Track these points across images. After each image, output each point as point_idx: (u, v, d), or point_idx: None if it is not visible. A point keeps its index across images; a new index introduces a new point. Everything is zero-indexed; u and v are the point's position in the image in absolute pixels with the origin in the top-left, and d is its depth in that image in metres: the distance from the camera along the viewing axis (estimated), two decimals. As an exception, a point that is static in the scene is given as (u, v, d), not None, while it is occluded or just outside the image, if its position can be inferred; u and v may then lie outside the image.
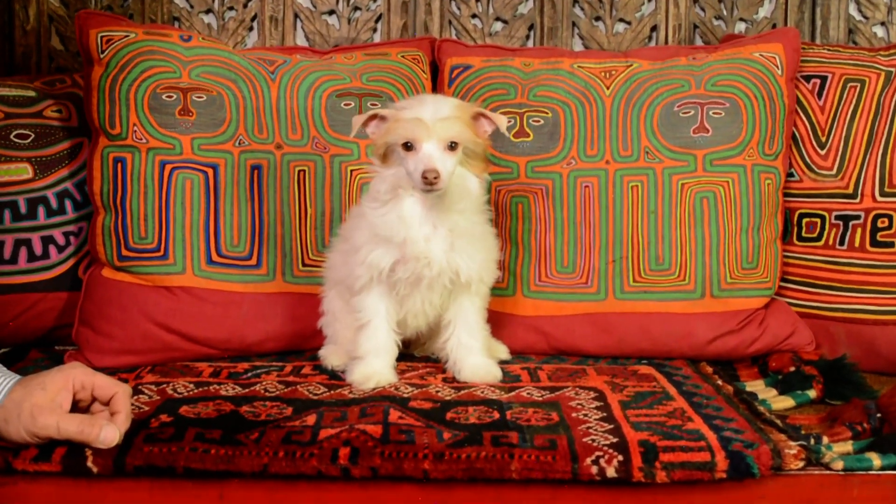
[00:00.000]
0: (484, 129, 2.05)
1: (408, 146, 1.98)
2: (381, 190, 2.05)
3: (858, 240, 2.37)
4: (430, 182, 1.93)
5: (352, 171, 2.37)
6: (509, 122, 2.14)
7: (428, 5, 2.81)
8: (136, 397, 1.96)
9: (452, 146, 1.98)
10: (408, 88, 2.47)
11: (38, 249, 2.36)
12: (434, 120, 1.96)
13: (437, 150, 1.96)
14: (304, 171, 2.35)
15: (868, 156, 2.40)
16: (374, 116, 2.04)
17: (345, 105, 2.40)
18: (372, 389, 2.02)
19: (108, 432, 1.69)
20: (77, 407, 1.75)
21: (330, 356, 2.20)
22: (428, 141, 1.96)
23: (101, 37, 2.33)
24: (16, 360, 2.26)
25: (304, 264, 2.34)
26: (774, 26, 2.82)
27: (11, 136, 2.38)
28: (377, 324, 2.10)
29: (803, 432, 1.85)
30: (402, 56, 2.54)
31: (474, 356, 2.14)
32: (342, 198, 2.36)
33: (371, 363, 2.08)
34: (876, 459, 1.74)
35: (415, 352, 2.30)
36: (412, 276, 2.06)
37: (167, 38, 2.36)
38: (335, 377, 2.13)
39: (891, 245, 2.35)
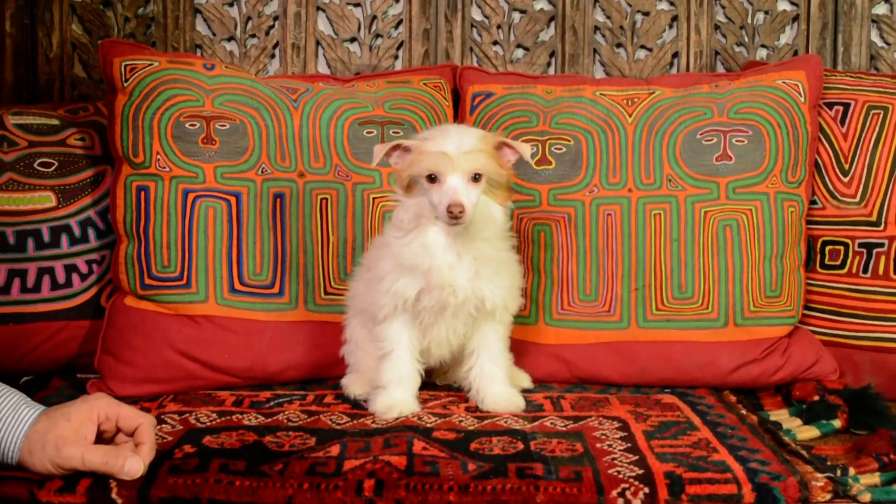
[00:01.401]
0: (507, 159, 2.05)
1: (432, 178, 1.98)
2: (405, 219, 2.05)
3: (882, 268, 2.36)
4: (455, 216, 1.93)
5: (374, 199, 2.37)
6: (532, 149, 2.13)
7: (449, 32, 2.82)
8: (159, 427, 1.96)
9: (476, 178, 1.98)
10: (430, 116, 2.48)
11: (61, 278, 2.36)
12: (458, 153, 1.95)
13: (461, 183, 1.96)
14: (327, 199, 2.35)
15: (892, 183, 2.39)
16: (397, 147, 2.04)
17: (367, 133, 2.41)
18: (395, 419, 2.02)
19: (132, 464, 1.69)
20: (101, 438, 1.75)
21: (352, 385, 2.20)
22: (453, 174, 1.96)
23: (125, 65, 2.34)
24: (38, 389, 2.26)
25: (326, 293, 2.34)
26: (796, 53, 2.82)
27: (35, 165, 2.39)
28: (400, 353, 2.10)
29: (829, 463, 1.84)
30: (425, 84, 2.55)
31: (497, 385, 2.13)
32: (364, 226, 2.36)
33: (393, 393, 2.08)
34: (904, 492, 1.73)
35: (437, 380, 2.29)
36: (437, 305, 2.06)
37: (190, 67, 2.37)
38: (358, 406, 2.13)
39: (915, 273, 2.35)
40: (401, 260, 2.05)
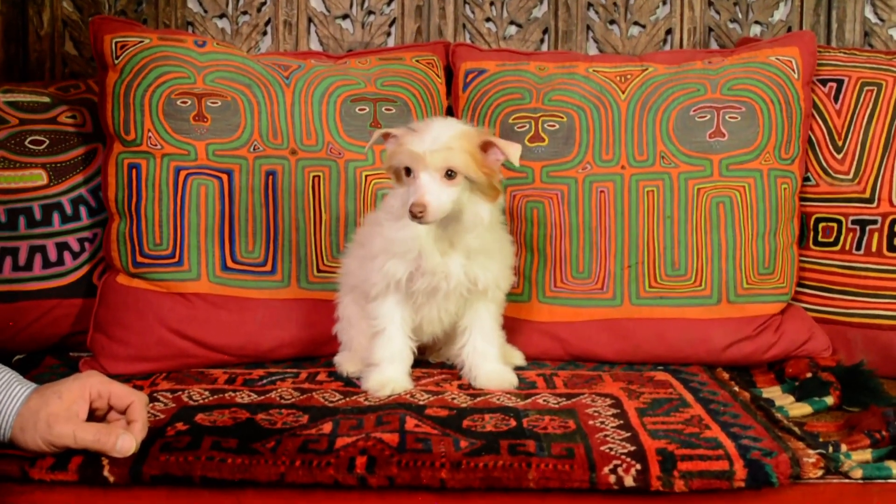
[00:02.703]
0: (496, 158, 2.00)
1: (408, 172, 1.97)
2: (396, 206, 2.04)
3: (875, 244, 2.36)
4: (415, 216, 1.92)
5: (367, 176, 2.37)
6: (520, 149, 2.05)
7: (442, 9, 2.81)
8: (151, 405, 1.96)
9: (450, 175, 1.94)
10: (422, 93, 2.47)
11: (52, 256, 2.36)
12: (428, 150, 1.93)
13: (433, 181, 1.93)
14: (319, 176, 2.34)
15: (885, 160, 2.39)
16: (387, 135, 2.03)
17: (359, 110, 2.40)
18: (387, 397, 2.02)
19: (124, 441, 1.69)
20: (93, 416, 1.75)
21: (345, 363, 2.20)
22: (424, 171, 1.94)
23: (116, 42, 2.33)
24: (31, 367, 2.26)
25: (318, 270, 2.34)
26: (790, 29, 2.81)
27: (26, 143, 2.38)
28: (392, 331, 2.10)
29: (821, 440, 1.84)
30: (417, 61, 2.54)
31: (490, 362, 2.13)
32: (357, 203, 2.36)
33: (386, 370, 2.08)
34: (895, 468, 1.73)
35: (430, 358, 2.29)
36: (428, 288, 2.06)
37: (182, 44, 2.36)
38: (350, 384, 2.13)
39: (908, 250, 2.35)
40: (392, 245, 2.04)
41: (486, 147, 1.99)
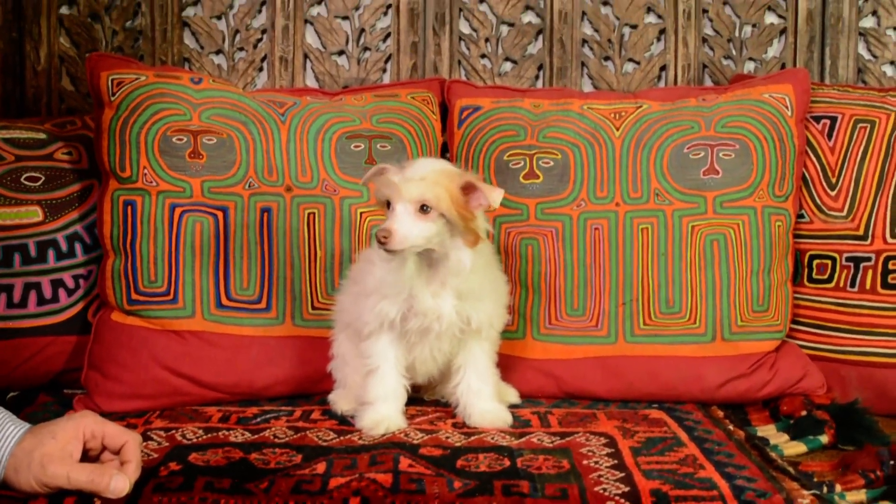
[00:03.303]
0: (479, 203, 1.99)
1: (388, 205, 1.97)
2: (389, 281, 2.05)
3: (870, 282, 2.37)
4: (379, 241, 1.92)
5: (361, 213, 2.37)
6: (501, 194, 2.03)
7: (437, 45, 2.82)
8: (145, 444, 1.95)
9: (424, 209, 1.94)
10: (417, 130, 2.48)
11: (47, 293, 2.36)
12: (403, 181, 1.94)
13: (405, 212, 1.93)
14: (314, 213, 2.35)
15: (879, 197, 2.39)
16: (382, 170, 2.03)
17: (354, 147, 2.40)
18: (381, 436, 2.01)
19: (118, 482, 1.68)
20: (87, 456, 1.74)
21: (339, 401, 2.19)
22: (399, 202, 1.94)
23: (112, 79, 2.33)
24: (25, 405, 2.26)
25: (313, 307, 2.33)
26: (784, 66, 2.82)
27: (22, 179, 2.38)
28: (386, 369, 2.09)
29: (816, 480, 1.84)
30: (412, 97, 2.55)
31: (484, 401, 2.13)
32: (352, 240, 2.36)
33: (380, 409, 2.07)
34: (889, 509, 1.74)
35: (424, 396, 2.28)
36: (421, 327, 2.06)
37: (178, 81, 2.37)
38: (345, 422, 2.12)
39: (902, 287, 2.35)
40: (383, 285, 2.05)
41: (467, 189, 1.98)
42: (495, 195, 1.99)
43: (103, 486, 1.68)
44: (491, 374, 2.16)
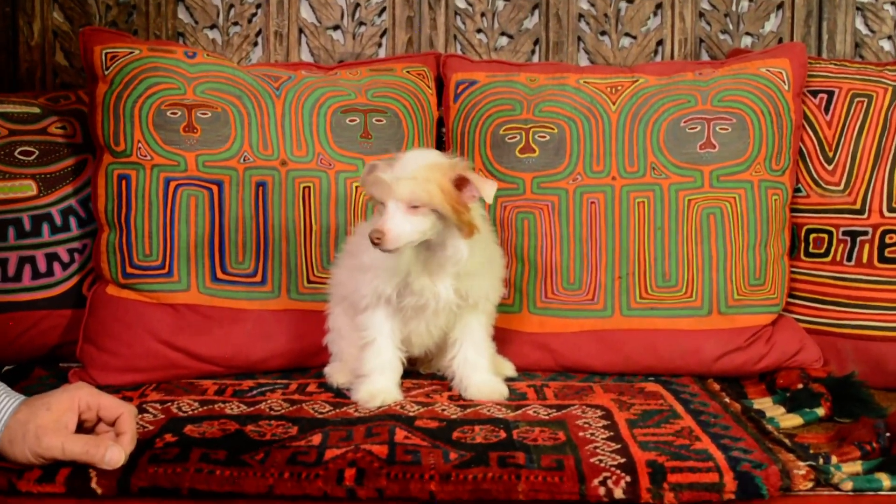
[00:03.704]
0: (472, 194, 1.97)
1: (380, 202, 1.97)
2: (385, 262, 2.04)
3: (866, 256, 2.36)
4: (373, 241, 1.92)
5: (357, 187, 2.36)
6: (495, 187, 2.02)
7: (433, 20, 2.81)
8: (140, 416, 1.95)
9: (416, 207, 1.93)
10: (413, 104, 2.47)
11: (42, 267, 2.35)
12: (394, 179, 1.92)
13: (397, 210, 1.92)
14: (310, 187, 2.34)
15: (876, 171, 2.39)
16: (373, 168, 2.01)
17: (350, 121, 2.39)
18: (377, 408, 2.02)
19: (113, 453, 1.68)
20: (82, 427, 1.74)
21: (335, 374, 2.19)
22: (390, 200, 1.93)
23: (106, 53, 2.32)
24: (20, 378, 2.26)
25: (309, 281, 2.33)
26: (781, 40, 2.81)
27: (16, 153, 2.37)
28: (382, 342, 2.09)
29: (812, 452, 1.84)
30: (408, 72, 2.54)
31: (480, 374, 2.13)
32: (347, 214, 2.35)
33: (376, 381, 2.07)
34: (886, 480, 1.73)
35: (420, 369, 2.28)
36: (417, 304, 2.06)
37: (172, 55, 2.36)
38: (340, 395, 2.12)
39: (899, 261, 2.35)
40: (379, 264, 2.04)
41: (460, 183, 1.96)
42: (488, 188, 1.97)
43: (98, 457, 1.68)
44: (487, 346, 2.16)
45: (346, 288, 2.17)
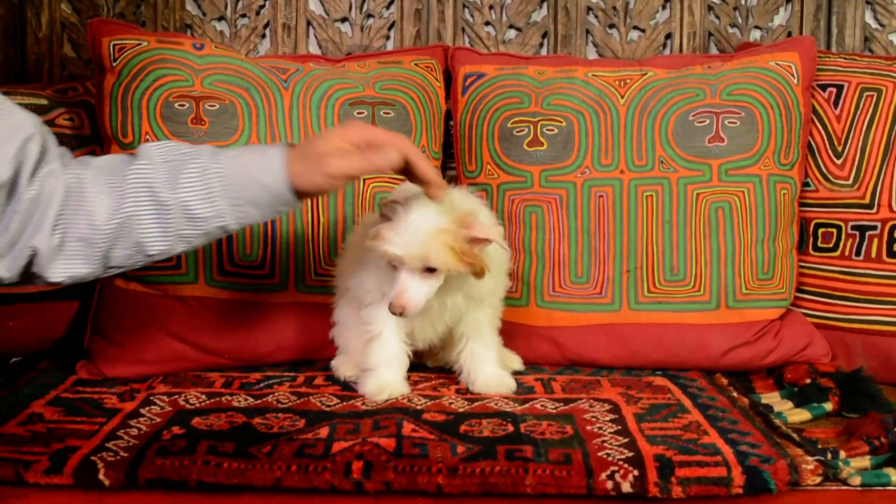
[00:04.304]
0: (483, 244, 1.95)
1: (391, 264, 1.96)
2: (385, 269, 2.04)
3: (875, 250, 2.36)
4: (394, 313, 1.94)
5: (365, 180, 2.36)
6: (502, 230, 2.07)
7: (441, 13, 2.80)
8: (147, 408, 1.96)
9: (430, 269, 1.93)
10: (421, 97, 2.46)
11: (50, 258, 2.35)
12: (406, 253, 1.90)
13: (411, 277, 1.93)
14: (317, 179, 2.33)
15: (885, 165, 2.38)
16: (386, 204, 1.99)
17: (357, 114, 2.39)
18: (385, 401, 2.01)
19: (389, 153, 1.72)
20: None
21: (342, 367, 2.19)
22: (403, 268, 1.93)
23: (114, 45, 2.32)
24: (28, 370, 2.25)
25: (316, 274, 2.33)
26: (790, 34, 2.80)
27: (23, 145, 2.36)
28: (388, 335, 2.09)
29: (820, 447, 1.84)
30: (416, 64, 2.53)
31: (488, 367, 2.13)
32: (355, 207, 2.35)
33: (383, 375, 2.07)
34: (894, 475, 1.73)
35: (427, 362, 2.28)
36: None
37: (180, 47, 2.36)
38: (348, 388, 2.12)
39: (907, 255, 2.34)
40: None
41: (472, 241, 1.94)
42: (497, 236, 1.96)
43: (378, 160, 1.72)
44: (494, 340, 2.16)
45: (350, 281, 2.17)
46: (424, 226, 1.90)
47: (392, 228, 1.92)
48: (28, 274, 1.63)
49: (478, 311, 2.12)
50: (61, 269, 1.64)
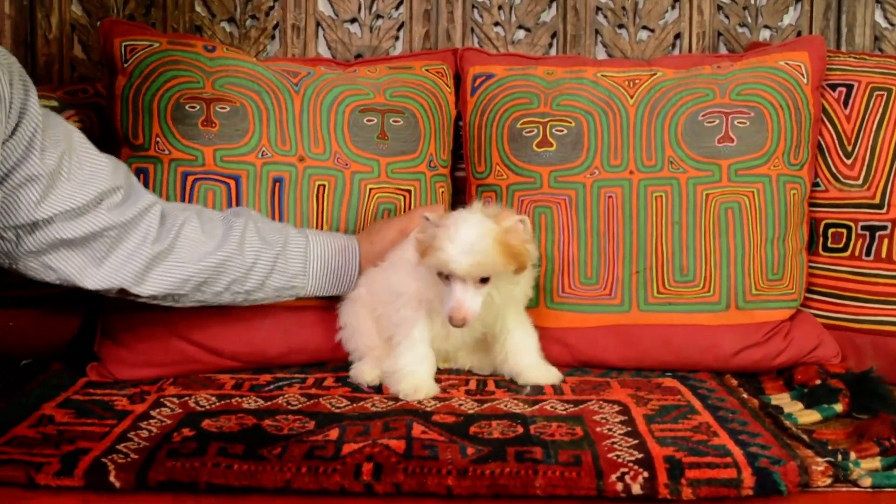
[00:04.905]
0: (527, 233, 2.04)
1: (443, 275, 1.99)
2: (422, 284, 2.09)
3: (885, 250, 2.35)
4: (454, 325, 1.99)
5: (371, 189, 2.36)
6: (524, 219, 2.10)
7: (450, 13, 2.80)
8: (157, 410, 1.97)
9: (484, 280, 1.99)
10: (431, 104, 2.46)
11: (61, 260, 2.35)
12: (463, 265, 1.94)
13: (466, 289, 1.98)
14: (325, 185, 2.33)
15: (895, 165, 2.37)
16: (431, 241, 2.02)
17: (367, 121, 2.39)
18: (418, 401, 2.03)
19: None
20: None
21: (364, 373, 2.17)
22: (457, 281, 1.97)
23: (125, 46, 2.33)
24: (38, 372, 2.26)
25: (326, 275, 2.33)
26: (799, 33, 2.80)
27: (34, 147, 2.37)
28: (417, 337, 2.12)
29: (830, 448, 1.83)
30: (426, 70, 2.53)
31: (532, 358, 2.20)
32: (359, 215, 2.35)
33: (417, 373, 2.09)
34: (904, 476, 1.73)
35: (439, 363, 2.28)
36: None
37: (191, 48, 2.36)
38: (358, 389, 2.13)
39: (918, 256, 2.34)
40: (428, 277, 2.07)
41: (511, 231, 2.01)
42: (530, 227, 2.08)
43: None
44: (533, 331, 2.22)
45: (378, 283, 2.19)
46: (477, 236, 1.97)
47: (443, 242, 1.95)
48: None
49: (514, 307, 2.17)
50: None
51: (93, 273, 1.93)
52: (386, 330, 2.16)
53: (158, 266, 1.98)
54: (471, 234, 1.97)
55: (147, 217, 1.97)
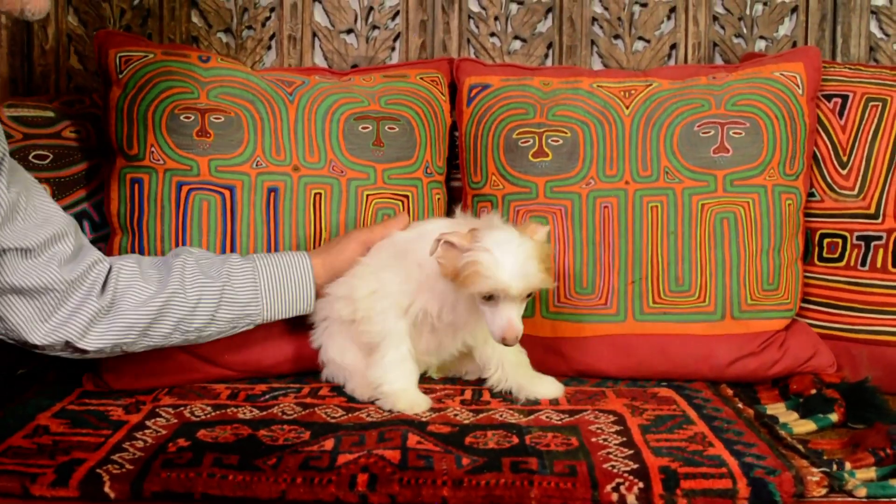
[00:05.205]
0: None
1: (486, 297, 1.97)
2: (442, 290, 2.07)
3: (880, 261, 2.35)
4: (505, 344, 1.97)
5: (368, 195, 2.36)
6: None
7: (446, 24, 2.81)
8: (153, 420, 1.97)
9: (529, 295, 1.99)
10: (426, 112, 2.46)
11: (55, 270, 2.35)
12: (516, 286, 1.93)
13: (513, 307, 1.96)
14: (321, 193, 2.34)
15: (890, 176, 2.38)
16: (448, 243, 2.00)
17: (362, 129, 2.39)
18: (416, 414, 2.02)
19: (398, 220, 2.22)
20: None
21: (357, 391, 2.15)
22: (509, 302, 1.95)
23: (120, 57, 2.33)
24: (34, 381, 2.26)
25: (319, 286, 2.33)
26: (795, 44, 2.81)
27: (30, 157, 2.37)
28: (405, 350, 2.11)
29: (825, 458, 1.84)
30: (421, 78, 2.53)
31: (532, 373, 2.19)
32: (357, 222, 2.35)
33: (410, 392, 2.09)
34: (900, 486, 1.73)
35: (433, 374, 2.29)
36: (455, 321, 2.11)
37: (186, 59, 2.36)
38: (353, 399, 2.12)
39: (913, 266, 2.34)
40: (435, 285, 2.06)
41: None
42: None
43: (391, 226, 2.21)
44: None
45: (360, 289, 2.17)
46: (525, 257, 1.95)
47: (489, 268, 1.92)
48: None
49: None
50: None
51: (39, 328, 1.90)
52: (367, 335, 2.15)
53: (102, 319, 1.95)
54: (520, 256, 1.94)
55: (93, 273, 1.95)
